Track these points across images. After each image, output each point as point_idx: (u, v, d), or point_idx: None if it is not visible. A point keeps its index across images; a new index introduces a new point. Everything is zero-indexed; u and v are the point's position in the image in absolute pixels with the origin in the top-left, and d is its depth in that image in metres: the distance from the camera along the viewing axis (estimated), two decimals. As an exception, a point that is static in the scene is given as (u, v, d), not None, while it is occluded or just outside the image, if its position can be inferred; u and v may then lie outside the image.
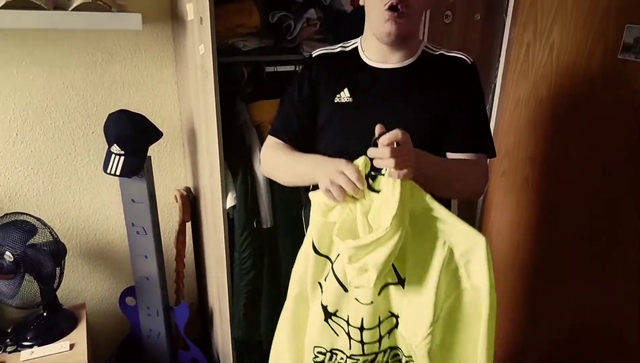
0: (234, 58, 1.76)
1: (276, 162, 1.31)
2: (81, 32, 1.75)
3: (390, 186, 0.97)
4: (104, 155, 1.70)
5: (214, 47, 1.54)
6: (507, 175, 2.24)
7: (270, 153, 1.35)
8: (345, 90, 1.24)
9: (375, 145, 0.95)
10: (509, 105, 2.17)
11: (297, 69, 1.88)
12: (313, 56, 1.35)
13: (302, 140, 1.32)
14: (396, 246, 0.95)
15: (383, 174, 0.99)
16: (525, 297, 2.23)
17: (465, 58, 1.25)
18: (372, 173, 1.01)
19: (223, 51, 1.71)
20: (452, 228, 1.00)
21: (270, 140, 1.36)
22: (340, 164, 1.02)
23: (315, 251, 1.12)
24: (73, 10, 1.49)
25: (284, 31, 1.80)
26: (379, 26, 1.14)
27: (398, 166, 0.93)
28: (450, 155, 1.24)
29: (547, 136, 2.03)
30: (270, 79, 1.94)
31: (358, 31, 1.92)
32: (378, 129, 0.95)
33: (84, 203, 1.96)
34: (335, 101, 1.25)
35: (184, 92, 1.94)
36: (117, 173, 1.68)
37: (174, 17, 1.85)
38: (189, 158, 2.06)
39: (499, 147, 2.24)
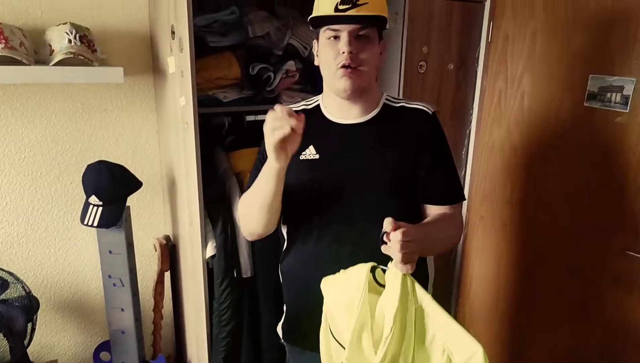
0: (214, 109, 1.79)
1: (245, 205, 1.31)
2: (63, 85, 1.76)
3: (392, 277, 1.00)
4: (82, 206, 1.69)
5: (194, 99, 1.57)
6: (485, 220, 2.27)
7: (240, 206, 1.35)
8: (311, 147, 1.26)
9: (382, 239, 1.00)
10: (484, 151, 2.23)
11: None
12: None
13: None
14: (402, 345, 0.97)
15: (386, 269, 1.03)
16: (508, 343, 2.21)
17: (426, 109, 1.27)
18: (379, 266, 1.05)
19: (204, 102, 1.75)
20: (451, 334, 0.99)
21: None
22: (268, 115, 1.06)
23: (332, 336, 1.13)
24: (54, 65, 1.51)
25: (264, 82, 1.84)
26: (334, 83, 1.18)
27: (404, 261, 0.97)
28: (427, 207, 1.28)
29: (522, 181, 2.08)
30: (251, 128, 1.97)
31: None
32: (388, 225, 0.98)
33: (60, 254, 1.91)
34: (301, 158, 1.26)
35: (164, 141, 1.95)
36: (95, 224, 1.66)
37: (155, 69, 1.89)
38: (169, 206, 2.04)
39: (476, 192, 2.29)
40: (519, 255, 2.14)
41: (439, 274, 1.43)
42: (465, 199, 1.35)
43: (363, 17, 1.11)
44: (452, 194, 1.29)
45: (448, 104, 2.18)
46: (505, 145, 2.13)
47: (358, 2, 1.09)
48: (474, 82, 2.23)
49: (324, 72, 1.22)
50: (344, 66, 1.14)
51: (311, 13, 1.99)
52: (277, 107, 1.05)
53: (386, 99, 1.30)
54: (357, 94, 1.20)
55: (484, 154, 2.24)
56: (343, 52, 1.13)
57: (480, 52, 2.18)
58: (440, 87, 2.12)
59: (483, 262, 2.30)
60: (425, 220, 1.26)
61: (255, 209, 1.25)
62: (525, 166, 2.06)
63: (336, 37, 1.14)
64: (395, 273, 1.00)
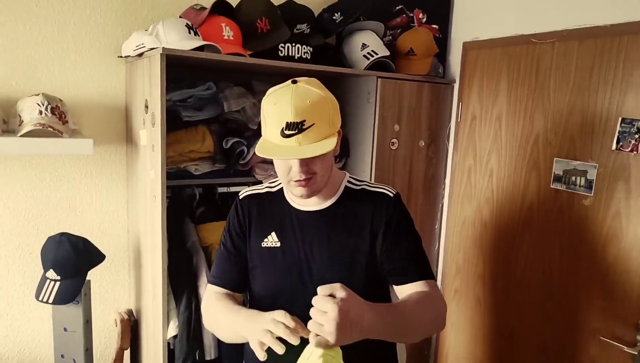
0: (185, 181, 1.78)
1: (215, 319, 1.25)
2: (31, 155, 1.74)
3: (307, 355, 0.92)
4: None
5: (163, 173, 1.56)
6: (459, 294, 2.24)
7: (209, 308, 1.29)
8: (273, 234, 1.24)
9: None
10: (457, 225, 2.24)
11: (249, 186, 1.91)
12: (240, 197, 1.34)
13: (240, 283, 1.30)
14: None
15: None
16: None
17: (387, 191, 1.24)
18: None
19: (175, 175, 1.74)
20: None
21: (210, 290, 1.31)
22: (275, 314, 0.99)
23: None
24: (22, 136, 1.49)
25: (237, 156, 1.85)
26: (290, 190, 1.17)
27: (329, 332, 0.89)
28: (398, 288, 1.21)
29: (493, 256, 2.08)
30: (223, 199, 1.96)
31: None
32: (322, 290, 0.93)
33: (11, 330, 1.80)
34: (263, 245, 1.25)
35: (133, 211, 1.91)
36: (50, 301, 1.58)
37: (129, 140, 1.88)
38: (134, 278, 1.97)
39: (450, 265, 2.28)
40: (494, 332, 2.10)
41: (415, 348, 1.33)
42: (434, 278, 1.26)
43: (307, 156, 1.05)
44: (417, 270, 1.20)
45: (420, 179, 2.21)
46: (476, 220, 2.15)
47: (303, 127, 1.04)
48: (444, 158, 2.29)
49: (279, 177, 1.20)
50: (298, 180, 1.12)
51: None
52: (287, 317, 0.97)
53: (348, 181, 1.28)
54: (314, 195, 1.18)
55: (456, 228, 2.25)
56: (295, 173, 1.11)
57: (451, 130, 2.26)
58: (412, 163, 2.16)
59: (459, 336, 2.24)
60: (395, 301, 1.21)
61: (221, 334, 1.24)
62: (495, 242, 2.07)
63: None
64: (310, 353, 0.91)
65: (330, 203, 1.24)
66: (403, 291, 1.20)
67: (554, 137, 1.83)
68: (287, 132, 1.04)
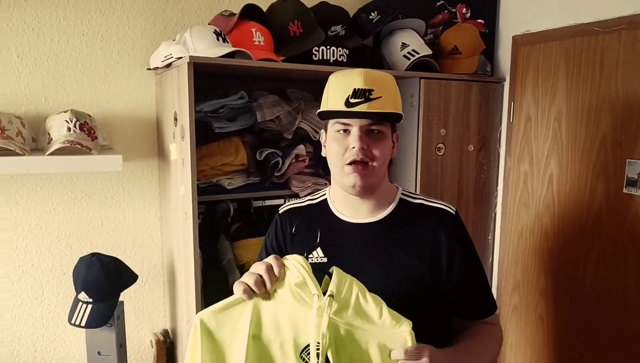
0: (218, 196, 1.69)
1: None
2: (61, 174, 1.69)
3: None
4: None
5: (194, 189, 1.47)
6: (519, 311, 2.04)
7: None
8: (318, 249, 1.12)
9: None
10: (513, 236, 2.05)
11: (286, 201, 1.81)
12: (280, 212, 1.24)
13: None
14: None
15: (331, 274, 0.89)
16: None
17: (448, 209, 1.14)
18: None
19: (207, 190, 1.65)
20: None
21: None
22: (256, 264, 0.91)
23: None
24: (50, 154, 1.44)
25: (272, 167, 1.74)
26: (343, 179, 1.07)
27: None
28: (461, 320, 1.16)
29: (556, 269, 1.88)
30: (259, 214, 1.86)
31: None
32: (399, 354, 0.87)
33: (46, 353, 1.75)
34: (309, 262, 1.12)
35: (166, 228, 1.84)
36: (82, 324, 1.52)
37: (160, 154, 1.81)
38: (169, 297, 1.89)
39: (506, 280, 2.08)
40: (560, 355, 1.89)
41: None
42: (496, 309, 1.17)
43: (376, 114, 1.01)
44: (485, 307, 1.15)
45: (470, 187, 2.03)
46: (536, 230, 1.95)
47: (370, 97, 1.00)
48: (496, 163, 2.10)
49: (331, 166, 1.10)
50: (353, 162, 1.03)
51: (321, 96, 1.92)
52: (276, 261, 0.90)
53: (402, 194, 1.17)
54: (368, 191, 1.07)
55: (512, 239, 2.06)
56: (353, 148, 1.02)
57: (502, 133, 2.07)
58: (461, 169, 1.99)
59: (519, 359, 2.04)
60: (460, 339, 1.10)
61: None
62: (559, 253, 1.87)
63: (346, 131, 1.04)
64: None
65: (385, 215, 1.12)
66: (466, 324, 1.14)
67: (624, 137, 1.62)
68: (352, 100, 1.01)
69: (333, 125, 1.06)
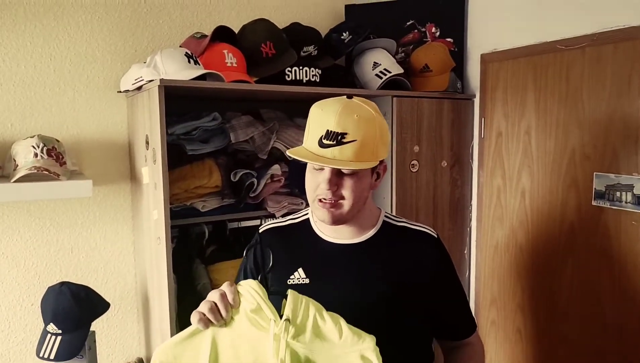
0: (192, 220, 1.66)
1: None
2: (28, 201, 1.64)
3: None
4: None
5: (167, 213, 1.45)
6: (497, 326, 2.05)
7: None
8: (300, 270, 1.11)
9: None
10: (488, 250, 2.07)
11: (262, 222, 1.79)
12: (260, 231, 1.22)
13: None
14: None
15: (286, 297, 0.87)
16: None
17: (430, 232, 1.15)
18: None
19: (180, 214, 1.62)
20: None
21: None
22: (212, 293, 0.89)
23: None
24: (16, 181, 1.39)
25: (247, 188, 1.73)
26: (315, 211, 1.06)
27: None
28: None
29: (532, 284, 1.90)
30: (235, 236, 1.84)
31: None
32: None
33: (14, 389, 1.68)
34: (289, 283, 1.11)
35: (140, 254, 1.79)
36: (52, 357, 1.46)
37: (132, 178, 1.78)
38: (143, 325, 1.84)
39: (484, 294, 2.09)
40: (538, 368, 1.90)
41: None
42: (477, 326, 1.21)
43: (341, 165, 0.97)
44: (467, 327, 1.18)
45: (445, 202, 2.05)
46: (510, 244, 1.97)
47: (343, 140, 0.96)
48: (470, 178, 2.13)
49: (307, 195, 1.09)
50: (323, 199, 1.02)
51: (297, 115, 1.93)
52: (229, 289, 0.88)
53: (385, 216, 1.17)
54: (339, 223, 1.06)
55: (488, 254, 2.07)
56: (323, 187, 1.01)
57: (474, 148, 2.11)
58: (435, 185, 2.01)
59: (498, 375, 2.04)
60: None
61: None
62: (534, 267, 1.89)
63: (319, 168, 1.02)
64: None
65: (368, 237, 1.12)
66: (447, 344, 1.20)
67: (592, 150, 1.66)
68: (325, 141, 0.97)
69: None
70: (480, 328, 2.11)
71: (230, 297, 0.86)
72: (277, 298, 0.90)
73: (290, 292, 0.88)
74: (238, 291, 0.87)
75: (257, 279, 1.15)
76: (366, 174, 1.04)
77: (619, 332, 1.62)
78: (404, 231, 1.14)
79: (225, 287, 0.88)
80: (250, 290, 0.87)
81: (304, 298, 0.88)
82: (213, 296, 0.87)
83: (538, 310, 1.88)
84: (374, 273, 1.09)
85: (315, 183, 1.02)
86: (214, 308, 0.86)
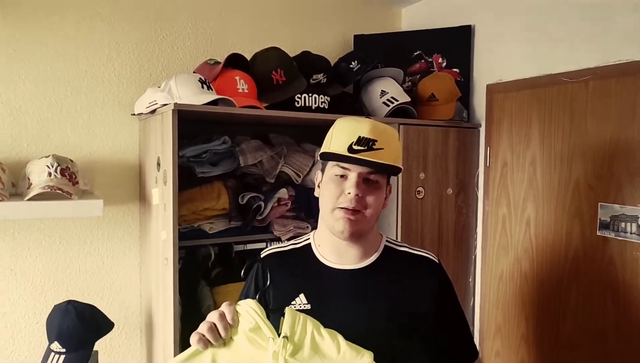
0: (199, 241, 1.67)
1: None
2: (39, 219, 1.67)
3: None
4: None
5: (175, 234, 1.47)
6: (501, 357, 2.03)
7: None
8: (302, 296, 1.10)
9: None
10: (493, 279, 2.06)
11: (267, 245, 1.80)
12: (261, 257, 1.22)
13: None
14: None
15: (284, 315, 0.89)
16: None
17: (432, 257, 1.16)
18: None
19: (188, 235, 1.64)
20: None
21: None
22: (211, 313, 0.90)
23: None
24: (29, 199, 1.43)
25: (254, 211, 1.75)
26: (332, 222, 1.07)
27: None
28: None
29: (536, 313, 1.88)
30: (240, 258, 1.85)
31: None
32: None
33: (15, 408, 1.67)
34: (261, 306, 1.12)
35: (146, 274, 1.81)
36: (54, 376, 1.46)
37: (141, 199, 1.81)
38: (146, 346, 1.84)
39: (488, 324, 2.08)
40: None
41: None
42: (478, 354, 1.19)
43: (377, 163, 1.02)
44: (469, 354, 1.17)
45: (450, 230, 2.06)
46: (515, 274, 1.97)
47: (374, 146, 1.02)
48: (475, 207, 2.14)
49: (323, 207, 1.11)
50: (346, 207, 1.04)
51: (305, 140, 1.97)
52: (228, 309, 0.90)
53: (387, 241, 1.18)
54: (355, 236, 1.08)
55: (493, 282, 2.07)
56: (349, 193, 1.03)
57: (480, 176, 2.13)
58: (441, 212, 2.02)
59: (503, 408, 2.01)
60: None
61: None
62: (539, 297, 1.88)
63: (343, 176, 1.05)
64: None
65: (370, 262, 1.12)
66: None
67: (596, 181, 1.68)
68: (355, 147, 1.02)
69: (332, 168, 1.07)
70: (484, 358, 2.09)
71: (229, 317, 0.87)
72: (277, 316, 0.91)
73: (287, 310, 0.89)
74: (237, 311, 0.89)
75: (260, 302, 1.17)
76: (383, 187, 1.09)
77: (616, 356, 1.60)
78: (405, 257, 1.16)
79: (224, 307, 0.89)
80: (249, 310, 0.88)
81: (302, 315, 0.90)
82: (212, 316, 0.89)
83: (542, 341, 1.86)
84: (375, 299, 1.09)
85: (339, 191, 1.04)
86: (213, 328, 0.87)
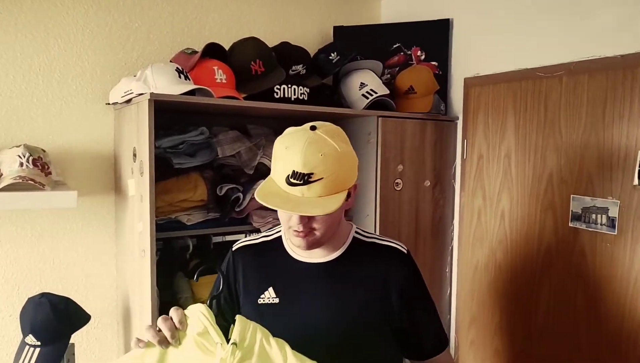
0: (176, 233, 1.66)
1: None
2: (11, 211, 1.63)
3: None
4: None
5: (152, 226, 1.45)
6: (476, 345, 2.08)
7: None
8: (270, 289, 1.12)
9: None
10: (469, 269, 2.10)
11: (247, 235, 1.80)
12: (233, 249, 1.23)
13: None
14: None
15: (233, 323, 0.90)
16: None
17: (400, 247, 1.15)
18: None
19: (165, 226, 1.63)
20: None
21: None
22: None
23: None
24: (0, 190, 1.39)
25: (232, 203, 1.74)
26: (289, 236, 1.07)
27: None
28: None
29: (510, 304, 1.93)
30: (218, 250, 1.83)
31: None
32: None
33: (-13, 403, 1.64)
34: (259, 302, 1.12)
35: (122, 266, 1.78)
36: (28, 370, 1.43)
37: (117, 190, 1.78)
38: (123, 338, 1.82)
39: (463, 313, 2.12)
40: (516, 388, 1.92)
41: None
42: (448, 344, 1.22)
43: (306, 212, 0.96)
44: (437, 344, 1.17)
45: (427, 221, 2.09)
46: (490, 264, 2.01)
47: (310, 180, 0.95)
48: (452, 199, 2.17)
49: (281, 224, 1.11)
50: (296, 230, 1.03)
51: (283, 132, 1.96)
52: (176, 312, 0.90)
53: (356, 232, 1.17)
54: (316, 246, 1.08)
55: (468, 273, 2.11)
56: (293, 228, 1.03)
57: (457, 169, 2.16)
58: (418, 204, 2.04)
59: (477, 395, 2.06)
60: None
61: None
62: (512, 288, 1.93)
63: None
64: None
65: (337, 255, 1.12)
66: (416, 361, 1.19)
67: (569, 174, 1.72)
68: (292, 180, 0.96)
69: None
70: (459, 348, 2.14)
71: (176, 320, 0.88)
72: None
73: (238, 317, 0.90)
74: (185, 315, 0.89)
75: (229, 298, 1.18)
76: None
77: (594, 353, 1.66)
78: (372, 247, 1.15)
79: (172, 311, 0.90)
80: (199, 314, 0.88)
81: (252, 323, 0.90)
82: (158, 320, 0.89)
83: (516, 330, 1.91)
84: (344, 290, 1.09)
85: (287, 217, 1.03)
86: (154, 332, 0.87)
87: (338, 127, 1.06)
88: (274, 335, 1.06)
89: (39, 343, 1.45)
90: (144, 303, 1.51)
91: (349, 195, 1.05)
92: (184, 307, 0.92)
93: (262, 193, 0.99)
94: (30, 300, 1.49)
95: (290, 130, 1.05)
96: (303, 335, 1.07)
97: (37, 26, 1.65)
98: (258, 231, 1.79)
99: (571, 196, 1.71)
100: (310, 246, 1.06)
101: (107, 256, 1.82)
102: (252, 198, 1.78)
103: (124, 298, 1.77)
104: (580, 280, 1.69)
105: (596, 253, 1.65)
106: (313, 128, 1.01)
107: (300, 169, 0.95)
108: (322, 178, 0.96)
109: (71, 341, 1.53)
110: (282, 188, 0.98)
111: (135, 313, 1.63)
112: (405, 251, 1.15)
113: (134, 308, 1.65)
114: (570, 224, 1.72)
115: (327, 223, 1.04)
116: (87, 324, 1.58)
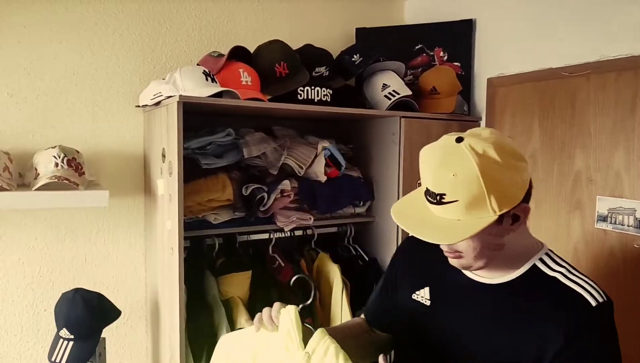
0: (204, 232, 1.70)
1: None
2: (46, 208, 1.69)
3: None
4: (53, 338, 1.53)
5: (181, 224, 1.49)
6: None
7: None
8: (426, 289, 1.07)
9: None
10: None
11: (271, 236, 1.83)
12: (408, 236, 1.17)
13: (386, 322, 1.23)
14: None
15: (314, 330, 1.00)
16: None
17: (587, 297, 0.90)
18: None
19: (193, 225, 1.67)
20: None
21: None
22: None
23: None
24: (37, 189, 1.45)
25: (257, 202, 1.77)
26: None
27: None
28: None
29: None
30: (244, 248, 1.87)
31: (332, 200, 1.91)
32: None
33: (23, 393, 1.70)
34: (413, 297, 1.11)
35: (151, 264, 1.84)
36: (63, 362, 1.49)
37: (147, 190, 1.83)
38: (151, 334, 1.87)
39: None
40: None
41: None
42: None
43: (438, 234, 0.89)
44: None
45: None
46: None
47: (443, 200, 0.86)
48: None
49: None
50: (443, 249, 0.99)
51: (308, 133, 1.98)
52: (276, 307, 1.04)
53: (541, 259, 0.98)
54: (474, 269, 0.98)
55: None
56: None
57: (480, 169, 2.14)
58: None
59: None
60: None
61: None
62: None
63: None
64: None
65: (505, 280, 0.96)
66: None
67: (597, 174, 1.70)
68: (428, 198, 0.90)
69: None
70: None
71: (274, 315, 1.02)
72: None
73: (319, 330, 0.98)
74: (280, 312, 1.02)
75: (391, 282, 1.21)
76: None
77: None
78: (551, 285, 0.93)
79: (275, 305, 1.04)
80: (289, 315, 1.01)
81: (329, 339, 0.97)
82: (264, 310, 1.04)
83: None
84: (497, 323, 0.95)
85: None
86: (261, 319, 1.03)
87: (500, 135, 0.91)
88: (418, 335, 1.12)
89: (72, 336, 1.51)
90: (172, 300, 1.55)
91: (514, 218, 0.92)
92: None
93: (397, 207, 0.98)
94: (64, 296, 1.55)
95: (435, 143, 0.94)
96: (441, 348, 1.04)
97: (71, 32, 1.71)
98: (282, 230, 1.82)
99: (597, 196, 1.69)
100: (464, 268, 0.98)
101: (137, 253, 1.87)
102: (277, 198, 1.81)
103: (152, 295, 1.82)
104: (609, 281, 1.67)
105: (627, 254, 1.62)
106: (459, 140, 0.88)
107: (431, 187, 0.88)
108: (456, 200, 0.85)
109: (102, 335, 1.59)
110: (424, 202, 0.92)
111: (164, 309, 1.67)
112: (594, 304, 0.89)
113: (162, 305, 1.70)
114: (597, 226, 1.69)
115: (477, 250, 0.91)
116: (117, 319, 1.63)
